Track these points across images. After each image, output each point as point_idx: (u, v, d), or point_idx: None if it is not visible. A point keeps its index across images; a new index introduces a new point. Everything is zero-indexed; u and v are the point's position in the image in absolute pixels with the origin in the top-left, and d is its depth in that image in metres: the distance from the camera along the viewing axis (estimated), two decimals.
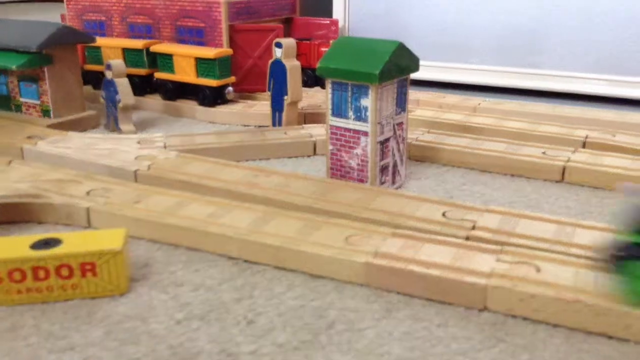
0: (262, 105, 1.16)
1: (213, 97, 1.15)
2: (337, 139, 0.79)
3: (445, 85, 1.38)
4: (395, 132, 0.79)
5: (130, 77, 1.20)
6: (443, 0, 1.35)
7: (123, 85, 1.04)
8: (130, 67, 1.23)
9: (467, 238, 0.62)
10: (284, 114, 1.04)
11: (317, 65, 0.77)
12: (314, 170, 0.89)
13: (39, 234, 0.58)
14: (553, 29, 1.26)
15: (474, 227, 0.63)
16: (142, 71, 1.23)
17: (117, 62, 1.04)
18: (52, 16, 1.46)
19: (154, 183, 0.80)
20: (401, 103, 0.79)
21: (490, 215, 0.66)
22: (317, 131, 0.99)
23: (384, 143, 0.77)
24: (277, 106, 1.04)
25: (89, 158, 0.85)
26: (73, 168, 0.86)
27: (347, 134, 0.78)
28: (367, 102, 0.74)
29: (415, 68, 0.79)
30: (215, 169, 0.82)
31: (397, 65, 0.75)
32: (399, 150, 0.81)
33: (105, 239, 0.57)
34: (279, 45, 1.01)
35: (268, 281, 0.59)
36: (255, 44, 1.24)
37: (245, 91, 1.26)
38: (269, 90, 1.04)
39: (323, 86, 1.32)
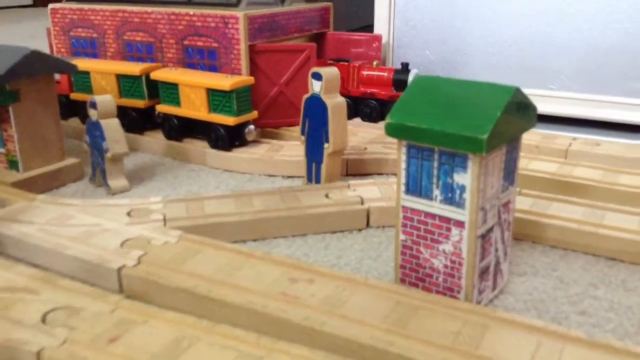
0: (291, 147, 0.91)
1: (229, 138, 0.90)
2: (413, 227, 0.53)
3: None
4: (500, 217, 0.53)
5: (125, 110, 0.97)
6: (510, 10, 1.09)
7: (112, 130, 0.79)
8: (125, 97, 0.99)
9: None
10: (323, 167, 0.78)
11: (387, 120, 0.52)
12: (371, 256, 0.64)
13: None
14: None
15: None
16: (140, 103, 0.98)
17: (104, 99, 0.79)
18: (45, 26, 1.22)
19: (144, 291, 0.55)
20: (509, 174, 0.53)
21: None
22: (368, 192, 0.74)
23: (485, 236, 0.52)
24: (313, 156, 0.79)
25: (57, 244, 0.61)
26: (34, 259, 0.61)
27: (430, 221, 0.52)
28: (464, 178, 0.49)
29: (532, 123, 0.53)
30: (233, 264, 0.57)
31: (511, 123, 0.49)
32: (503, 241, 0.55)
33: None
34: (317, 76, 0.76)
35: None
36: (282, 67, 0.99)
37: (270, 126, 1.01)
38: (303, 134, 0.79)
39: (365, 117, 1.06)
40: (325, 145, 0.77)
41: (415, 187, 0.52)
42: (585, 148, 0.90)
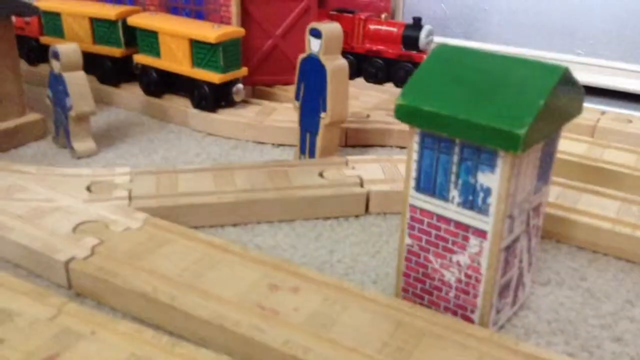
0: (284, 110, 0.81)
1: (214, 98, 0.79)
2: (421, 231, 0.44)
3: None
4: (528, 224, 0.44)
5: (100, 58, 0.86)
6: None
7: (77, 84, 0.69)
8: (100, 44, 0.87)
9: None
10: (318, 139, 0.68)
11: (397, 101, 0.41)
12: (368, 252, 0.55)
13: None
14: None
15: None
16: (117, 51, 0.87)
17: (68, 49, 0.68)
18: None
19: (95, 290, 0.46)
20: (544, 173, 0.44)
21: None
22: (369, 171, 0.64)
23: (510, 247, 0.42)
24: (308, 125, 0.69)
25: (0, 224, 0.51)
26: None
27: (444, 226, 0.43)
28: (490, 179, 0.39)
29: (578, 110, 0.43)
30: (205, 262, 0.48)
31: (554, 113, 0.39)
32: (529, 250, 0.46)
33: None
34: (315, 33, 0.65)
35: None
36: (278, 17, 0.87)
37: (262, 83, 0.90)
38: (297, 99, 0.69)
39: (370, 78, 0.95)
40: (322, 114, 0.66)
41: (428, 184, 0.42)
42: (616, 125, 0.79)
